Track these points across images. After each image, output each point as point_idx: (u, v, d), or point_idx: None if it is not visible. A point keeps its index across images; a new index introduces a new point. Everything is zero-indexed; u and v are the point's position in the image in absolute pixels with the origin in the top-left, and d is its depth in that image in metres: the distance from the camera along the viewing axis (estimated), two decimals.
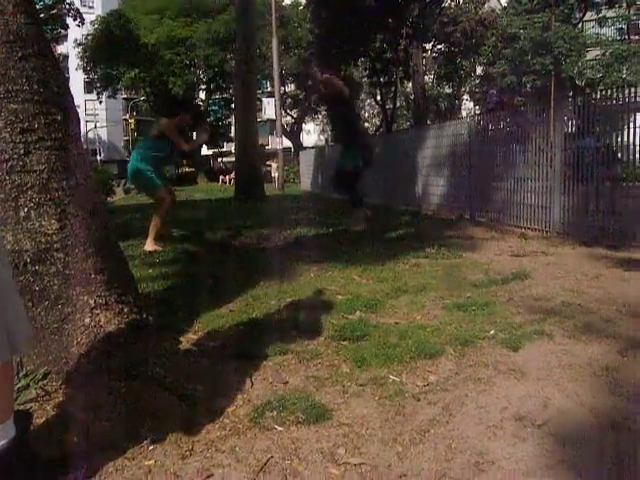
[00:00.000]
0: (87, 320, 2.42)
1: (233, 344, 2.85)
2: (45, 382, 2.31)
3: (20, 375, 2.29)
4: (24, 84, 2.39)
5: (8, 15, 2.38)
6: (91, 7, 36.36)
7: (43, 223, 2.38)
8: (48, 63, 2.54)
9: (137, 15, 31.17)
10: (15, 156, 2.35)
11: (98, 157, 49.42)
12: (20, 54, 2.40)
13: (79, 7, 26.99)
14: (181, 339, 2.92)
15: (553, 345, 2.77)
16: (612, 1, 28.42)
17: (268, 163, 30.25)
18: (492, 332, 2.93)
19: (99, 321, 2.44)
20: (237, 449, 1.92)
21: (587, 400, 2.18)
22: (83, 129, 43.96)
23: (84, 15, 27.38)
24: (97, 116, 49.85)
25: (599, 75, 26.14)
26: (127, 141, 52.28)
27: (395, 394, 2.26)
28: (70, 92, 2.71)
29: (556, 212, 6.75)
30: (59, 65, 2.81)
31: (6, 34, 2.37)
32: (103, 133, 53.83)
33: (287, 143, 31.42)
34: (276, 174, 21.17)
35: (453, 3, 23.20)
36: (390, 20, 18.98)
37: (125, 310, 2.56)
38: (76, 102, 2.86)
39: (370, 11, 17.78)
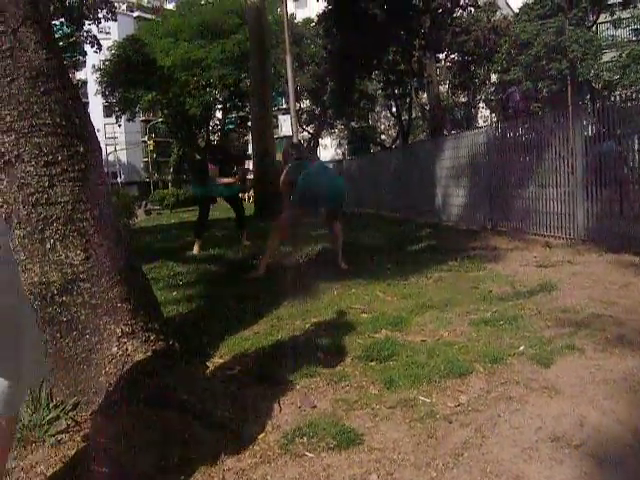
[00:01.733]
0: (114, 349, 2.43)
1: (260, 368, 2.83)
2: (75, 412, 2.32)
3: (50, 406, 2.31)
4: (47, 118, 2.43)
5: (30, 52, 2.43)
6: (108, 33, 37.00)
7: (69, 254, 2.40)
8: (69, 95, 2.58)
9: (153, 39, 31.75)
10: (40, 189, 2.38)
11: (118, 179, 50.14)
12: (43, 89, 2.44)
13: (96, 34, 27.49)
14: (208, 364, 2.92)
15: (585, 360, 2.71)
16: (626, 2, 28.18)
17: None
18: (522, 348, 2.88)
19: (126, 350, 2.45)
20: (268, 477, 1.90)
21: (624, 418, 2.12)
22: (103, 152, 44.65)
23: (101, 41, 27.87)
24: (116, 139, 50.64)
25: (616, 77, 25.81)
26: (146, 162, 53.00)
27: (426, 416, 2.22)
28: (91, 122, 2.75)
29: (580, 219, 6.65)
30: (80, 96, 2.85)
31: (29, 70, 2.41)
32: (123, 155, 54.62)
33: None
34: None
35: (465, 13, 23.17)
36: (402, 32, 19.03)
37: (152, 337, 2.57)
38: (96, 126, 2.89)
39: (382, 24, 17.85)
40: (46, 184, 2.39)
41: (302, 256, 6.21)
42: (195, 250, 7.09)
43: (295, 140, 16.07)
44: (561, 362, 2.68)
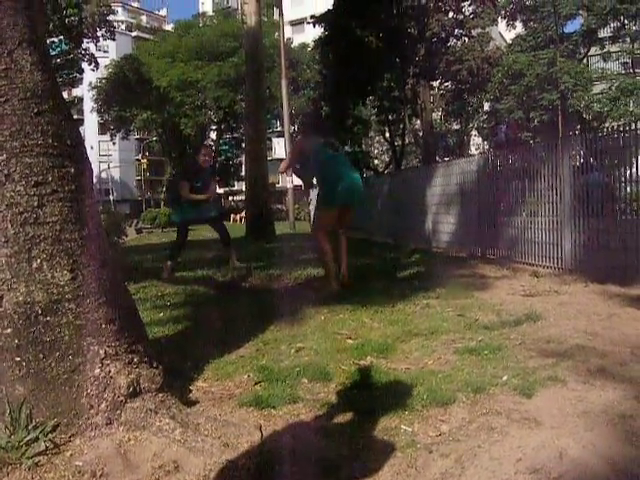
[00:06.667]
0: (97, 371, 2.42)
1: (243, 392, 2.83)
2: (54, 434, 2.29)
3: (29, 427, 2.28)
4: (39, 138, 2.45)
5: (26, 73, 2.46)
6: (106, 52, 37.42)
7: (55, 274, 2.40)
8: (62, 117, 2.60)
9: (150, 59, 32.10)
10: (29, 208, 2.39)
11: (111, 197, 50.10)
12: (36, 110, 2.46)
13: (94, 52, 27.75)
14: (191, 387, 2.91)
15: (567, 391, 2.72)
16: (616, 36, 28.86)
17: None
18: (505, 378, 2.89)
19: (109, 372, 2.44)
20: None
21: (604, 451, 2.13)
22: (97, 169, 44.72)
23: (99, 59, 28.15)
24: (110, 157, 50.80)
25: (606, 109, 26.28)
26: (139, 181, 53.10)
27: (407, 445, 2.22)
28: (83, 144, 2.77)
29: (567, 249, 6.71)
30: (73, 117, 2.89)
31: (23, 91, 2.44)
32: (116, 173, 54.69)
33: (297, 181, 31.72)
34: None
35: (459, 42, 23.58)
36: (397, 60, 19.31)
37: (135, 360, 2.56)
38: (90, 143, 2.92)
39: (377, 52, 18.12)
40: (35, 204, 2.40)
41: (290, 280, 6.21)
42: (165, 274, 6.68)
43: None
44: (543, 393, 2.69)
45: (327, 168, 5.35)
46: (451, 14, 21.43)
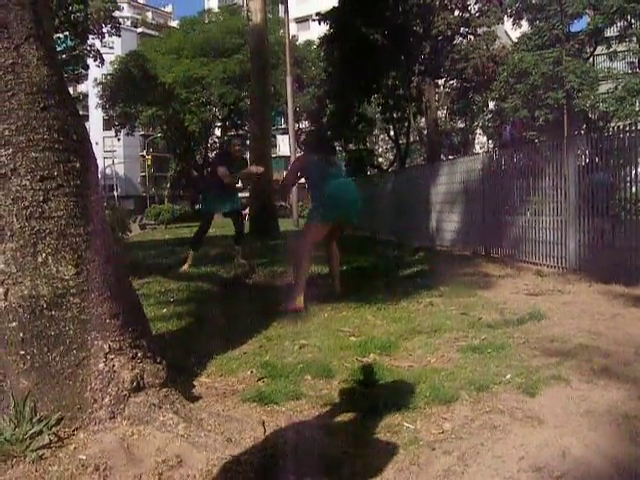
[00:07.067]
0: (101, 365, 2.43)
1: (246, 388, 2.84)
2: (58, 428, 2.30)
3: (33, 420, 2.29)
4: (45, 133, 2.45)
5: (32, 68, 2.46)
6: (111, 47, 37.39)
7: (60, 269, 2.41)
8: (68, 112, 2.61)
9: (155, 55, 32.11)
10: (34, 203, 2.39)
11: (115, 193, 50.21)
12: (42, 104, 2.47)
13: (99, 48, 27.78)
14: (194, 383, 2.92)
15: (570, 390, 2.72)
16: (623, 35, 28.71)
17: None
18: (508, 376, 2.89)
19: (113, 366, 2.44)
20: None
21: (607, 450, 2.13)
22: (101, 165, 44.90)
23: (104, 55, 28.15)
24: (115, 152, 50.88)
25: (612, 108, 26.15)
26: (144, 177, 53.19)
27: (409, 443, 2.22)
28: (89, 140, 2.78)
29: (571, 248, 6.70)
30: (79, 113, 2.89)
31: (30, 86, 2.45)
32: (120, 169, 54.81)
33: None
34: None
35: (465, 40, 23.48)
36: (402, 58, 19.30)
37: (139, 355, 2.57)
38: (95, 139, 2.91)
39: (382, 49, 18.11)
40: (41, 198, 2.41)
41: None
42: (185, 266, 7.12)
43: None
44: (546, 392, 2.69)
45: (326, 184, 5.18)
46: (457, 12, 21.35)
